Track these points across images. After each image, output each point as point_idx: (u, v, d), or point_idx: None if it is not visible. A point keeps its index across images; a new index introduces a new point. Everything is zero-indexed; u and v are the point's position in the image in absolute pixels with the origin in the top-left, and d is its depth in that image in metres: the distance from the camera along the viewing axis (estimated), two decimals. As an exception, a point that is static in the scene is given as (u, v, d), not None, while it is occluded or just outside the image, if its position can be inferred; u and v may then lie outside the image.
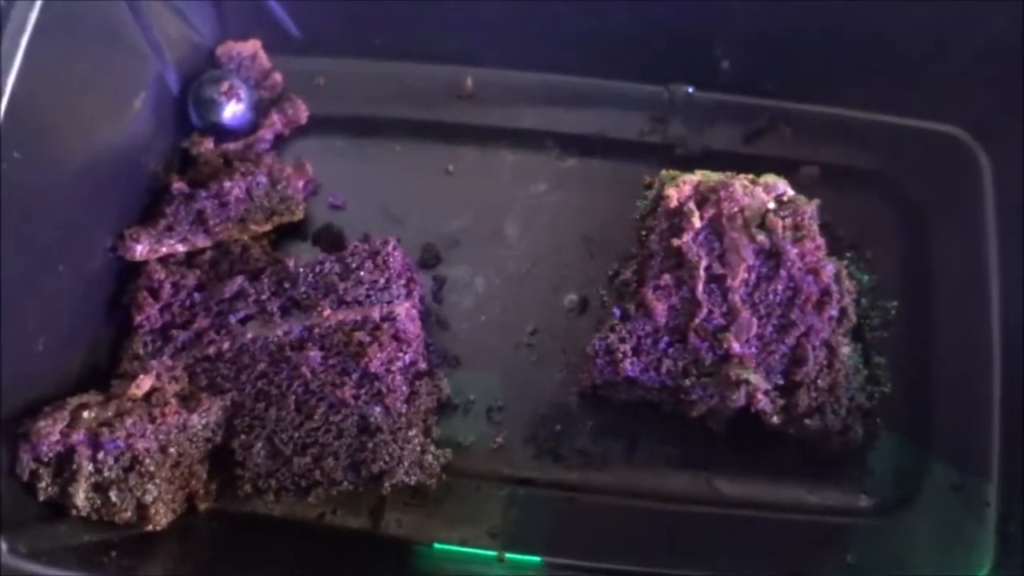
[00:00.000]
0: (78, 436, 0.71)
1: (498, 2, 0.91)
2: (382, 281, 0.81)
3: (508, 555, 0.79)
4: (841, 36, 0.89)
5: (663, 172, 0.81)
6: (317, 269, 0.81)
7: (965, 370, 0.85)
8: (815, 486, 0.83)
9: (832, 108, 0.94)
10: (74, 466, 0.71)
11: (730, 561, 0.80)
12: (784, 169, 0.87)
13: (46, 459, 0.71)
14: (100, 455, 0.72)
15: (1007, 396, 0.83)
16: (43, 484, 0.71)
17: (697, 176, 0.79)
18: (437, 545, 0.80)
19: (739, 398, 0.75)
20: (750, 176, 0.79)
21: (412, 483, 0.78)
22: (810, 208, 0.78)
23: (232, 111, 0.90)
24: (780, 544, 0.81)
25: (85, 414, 0.72)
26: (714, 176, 0.79)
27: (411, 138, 0.95)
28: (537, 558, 0.80)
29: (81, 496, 0.71)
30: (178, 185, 0.85)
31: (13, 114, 0.68)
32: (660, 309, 0.77)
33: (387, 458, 0.77)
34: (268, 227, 0.88)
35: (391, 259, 0.81)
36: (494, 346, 0.87)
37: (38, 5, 0.70)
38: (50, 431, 0.70)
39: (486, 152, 0.94)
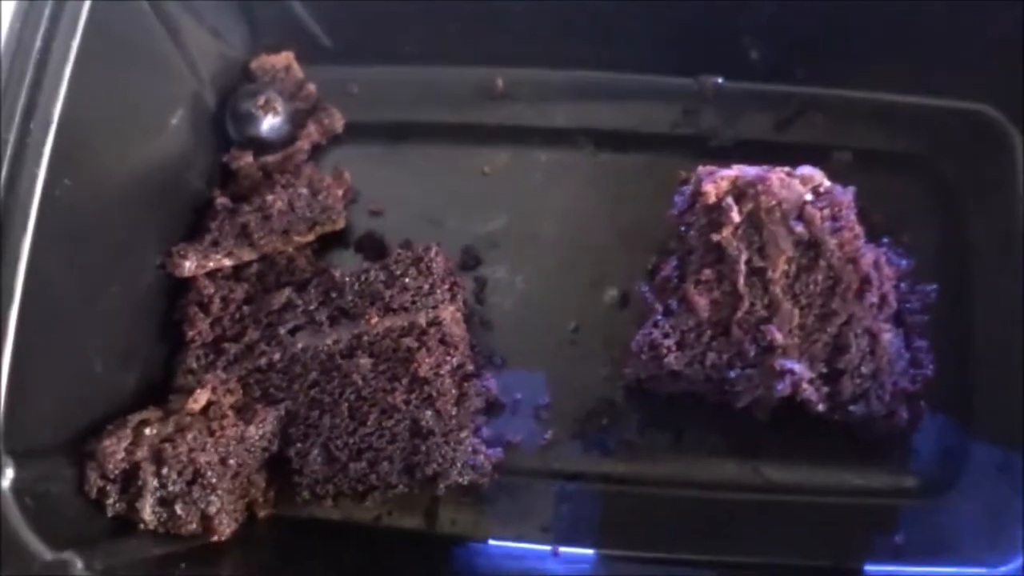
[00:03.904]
0: (142, 453, 0.73)
1: (525, 1, 0.91)
2: (426, 287, 0.82)
3: (562, 548, 0.81)
4: (867, 19, 0.88)
5: (699, 168, 0.81)
6: (362, 278, 0.82)
7: (1006, 350, 0.85)
8: (861, 469, 0.83)
9: (861, 92, 0.94)
10: (140, 482, 0.73)
11: (779, 546, 0.81)
12: (817, 155, 0.87)
13: (112, 476, 0.73)
14: (164, 470, 0.74)
15: (1048, 374, 0.83)
16: (111, 500, 0.73)
17: (734, 171, 0.79)
18: (492, 541, 0.82)
19: (784, 388, 0.76)
20: (786, 168, 0.79)
21: (465, 483, 0.79)
22: (847, 198, 0.79)
23: (269, 124, 0.90)
24: (828, 527, 0.82)
25: (147, 431, 0.74)
26: (751, 170, 0.79)
27: (446, 141, 0.95)
28: (591, 551, 0.81)
29: (148, 511, 0.73)
30: (221, 200, 0.87)
31: (61, 142, 0.69)
32: (702, 304, 0.78)
33: (440, 460, 0.78)
34: (311, 237, 0.89)
35: (434, 264, 0.83)
36: (538, 344, 0.88)
37: (79, 33, 0.71)
38: (115, 449, 0.73)
39: (520, 152, 0.95)
